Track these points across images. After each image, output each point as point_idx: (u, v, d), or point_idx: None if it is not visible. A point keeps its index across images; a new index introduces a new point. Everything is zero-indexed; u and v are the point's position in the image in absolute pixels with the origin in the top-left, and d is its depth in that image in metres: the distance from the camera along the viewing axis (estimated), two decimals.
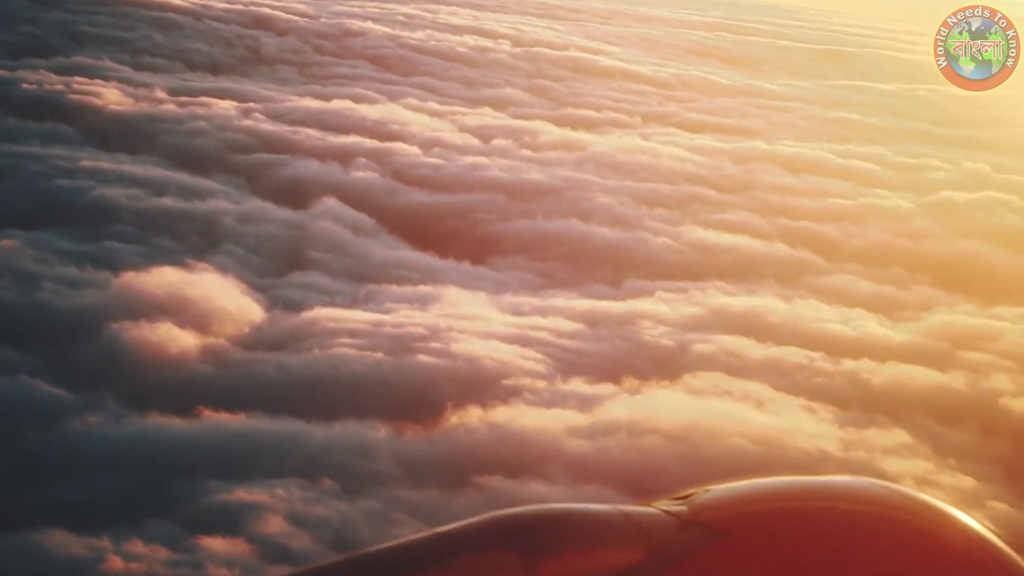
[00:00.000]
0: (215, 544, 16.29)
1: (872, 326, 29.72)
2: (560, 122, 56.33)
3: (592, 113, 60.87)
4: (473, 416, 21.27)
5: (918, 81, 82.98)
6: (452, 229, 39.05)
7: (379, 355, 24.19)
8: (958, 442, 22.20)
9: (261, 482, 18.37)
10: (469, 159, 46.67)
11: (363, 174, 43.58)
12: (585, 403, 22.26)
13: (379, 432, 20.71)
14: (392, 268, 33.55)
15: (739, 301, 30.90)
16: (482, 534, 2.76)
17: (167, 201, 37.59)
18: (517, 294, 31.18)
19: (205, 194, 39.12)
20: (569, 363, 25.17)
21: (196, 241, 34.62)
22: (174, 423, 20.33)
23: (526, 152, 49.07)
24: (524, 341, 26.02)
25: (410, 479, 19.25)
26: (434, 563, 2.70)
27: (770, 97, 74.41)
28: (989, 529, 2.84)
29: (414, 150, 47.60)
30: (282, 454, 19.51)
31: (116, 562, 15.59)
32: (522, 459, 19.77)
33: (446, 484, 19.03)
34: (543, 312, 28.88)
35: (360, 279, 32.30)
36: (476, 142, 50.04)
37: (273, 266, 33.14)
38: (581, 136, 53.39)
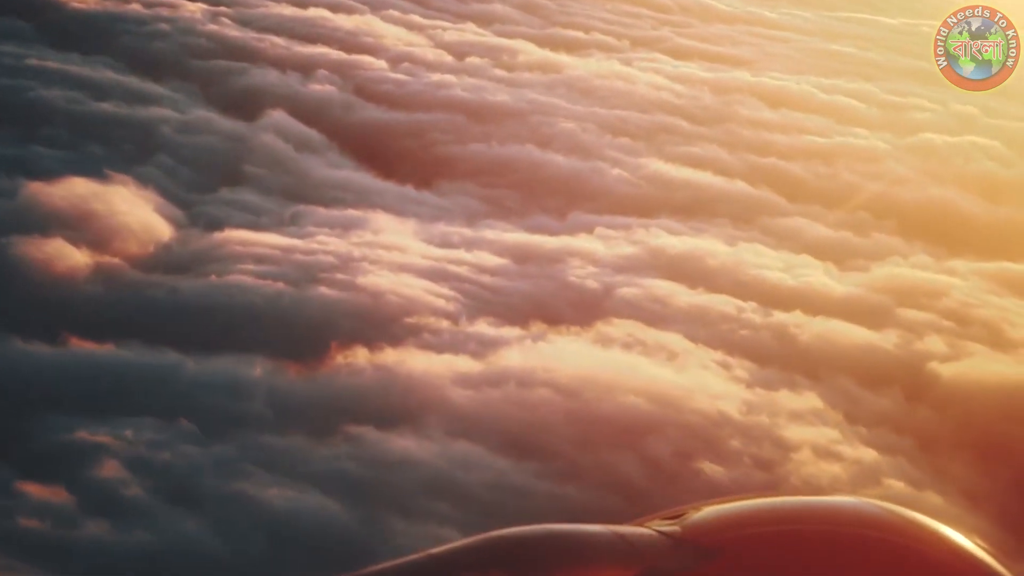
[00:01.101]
0: (34, 491, 15.15)
1: (816, 275, 28.43)
2: (544, 42, 54.68)
3: (579, 34, 59.15)
4: (360, 357, 20.07)
5: (925, 16, 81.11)
6: (404, 149, 37.70)
7: (279, 285, 22.97)
8: (875, 408, 20.96)
9: (111, 420, 17.21)
10: (436, 77, 45.20)
11: (321, 87, 42.16)
12: (484, 347, 21.05)
13: (256, 370, 19.51)
14: (328, 188, 32.26)
15: (680, 242, 29.61)
16: (478, 555, 2.78)
17: (107, 106, 36.24)
18: (451, 223, 29.89)
19: (150, 100, 37.77)
20: (483, 302, 23.96)
21: (129, 150, 33.31)
22: (36, 350, 19.13)
23: (499, 72, 47.60)
24: (440, 276, 24.79)
25: (277, 423, 18.10)
26: None
27: (768, 26, 72.61)
28: (983, 548, 2.82)
29: (381, 64, 46.12)
30: (145, 390, 18.35)
31: None
32: (401, 407, 18.60)
33: (314, 431, 17.87)
34: (471, 244, 27.61)
35: (292, 198, 31.03)
36: (449, 59, 48.55)
37: (204, 180, 31.83)
38: (561, 58, 51.81)
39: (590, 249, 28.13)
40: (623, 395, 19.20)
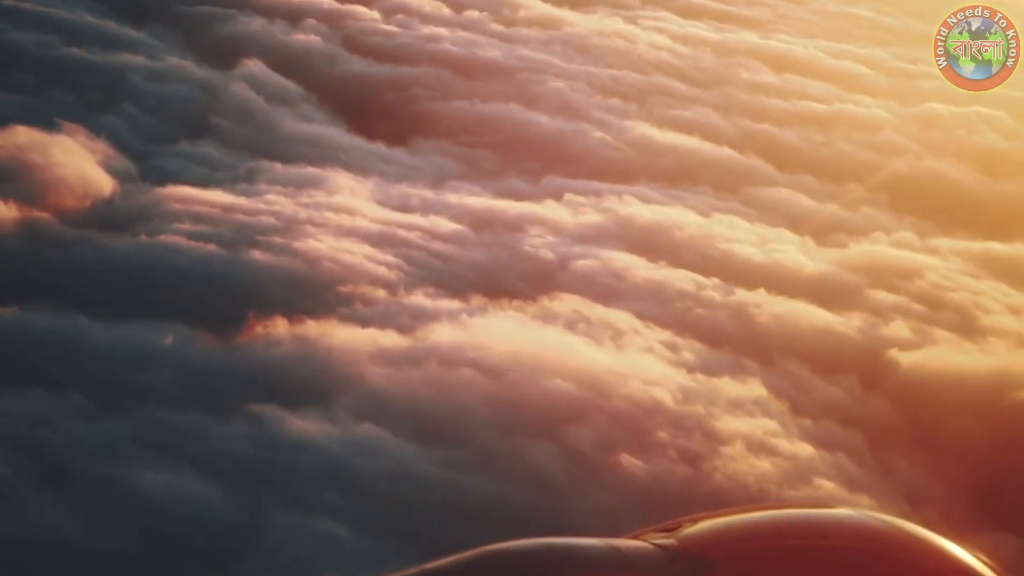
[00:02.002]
0: None
1: (789, 251, 27.22)
2: None
3: None
4: (280, 328, 19.03)
5: None
6: (382, 104, 36.56)
7: (211, 247, 21.91)
8: (824, 399, 19.80)
9: None
10: (427, 30, 43.98)
11: (306, 37, 41.01)
12: (414, 321, 19.96)
13: (168, 339, 18.48)
14: (294, 144, 31.18)
15: (651, 211, 28.42)
16: (472, 570, 2.79)
17: (78, 51, 35.18)
18: (415, 184, 28.76)
19: (125, 46, 36.69)
20: (428, 271, 22.88)
21: (95, 97, 32.29)
22: None
23: (496, 27, 46.36)
24: (387, 241, 23.70)
25: (180, 398, 17.09)
26: None
27: None
28: (984, 562, 2.79)
29: (373, 15, 44.91)
30: (41, 358, 17.34)
31: None
32: (311, 385, 17.56)
33: (215, 408, 16.86)
34: (429, 208, 26.49)
35: (254, 153, 29.96)
36: (447, 12, 47.32)
37: (166, 132, 30.78)
38: (563, 14, 50.47)
39: (554, 217, 27.00)
40: (551, 378, 18.10)
